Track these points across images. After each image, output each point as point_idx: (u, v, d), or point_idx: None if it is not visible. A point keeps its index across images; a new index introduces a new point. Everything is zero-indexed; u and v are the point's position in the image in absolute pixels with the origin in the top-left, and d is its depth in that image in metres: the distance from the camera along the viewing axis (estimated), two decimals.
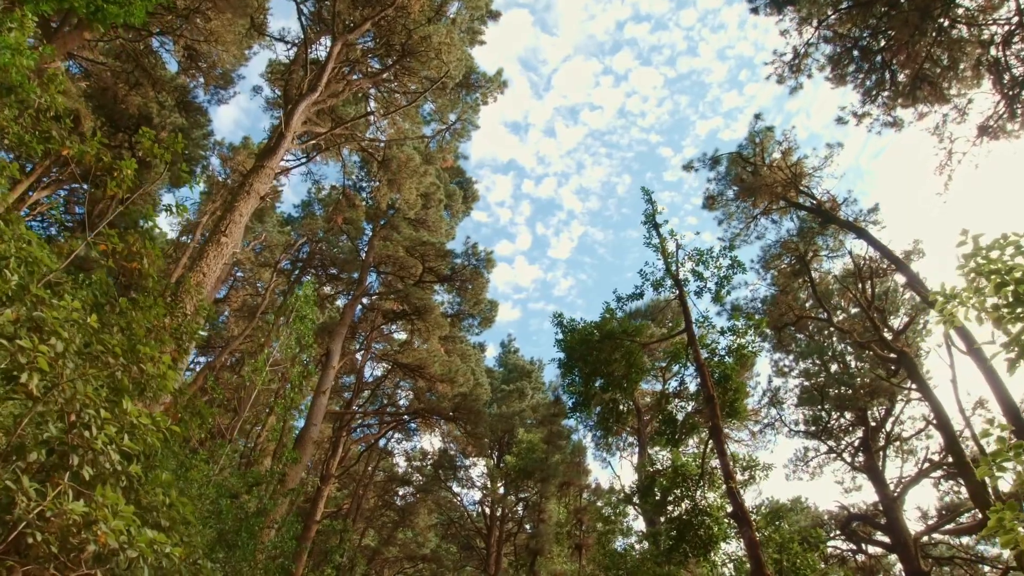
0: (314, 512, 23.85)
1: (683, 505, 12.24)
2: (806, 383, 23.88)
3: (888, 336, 16.02)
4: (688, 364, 12.68)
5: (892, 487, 18.90)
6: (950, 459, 20.11)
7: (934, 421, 13.72)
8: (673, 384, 13.76)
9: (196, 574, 5.92)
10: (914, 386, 13.96)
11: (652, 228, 12.87)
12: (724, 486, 11.57)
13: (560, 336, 13.51)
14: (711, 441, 10.79)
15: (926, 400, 13.75)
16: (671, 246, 12.67)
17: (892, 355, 15.10)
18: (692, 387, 13.04)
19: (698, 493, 11.95)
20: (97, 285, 6.79)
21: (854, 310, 23.19)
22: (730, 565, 12.59)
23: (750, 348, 11.96)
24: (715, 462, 13.08)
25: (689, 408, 13.12)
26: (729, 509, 12.13)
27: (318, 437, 22.38)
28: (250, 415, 26.67)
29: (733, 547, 12.34)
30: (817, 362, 22.34)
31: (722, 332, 12.21)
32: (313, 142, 18.44)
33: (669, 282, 12.74)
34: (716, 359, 12.03)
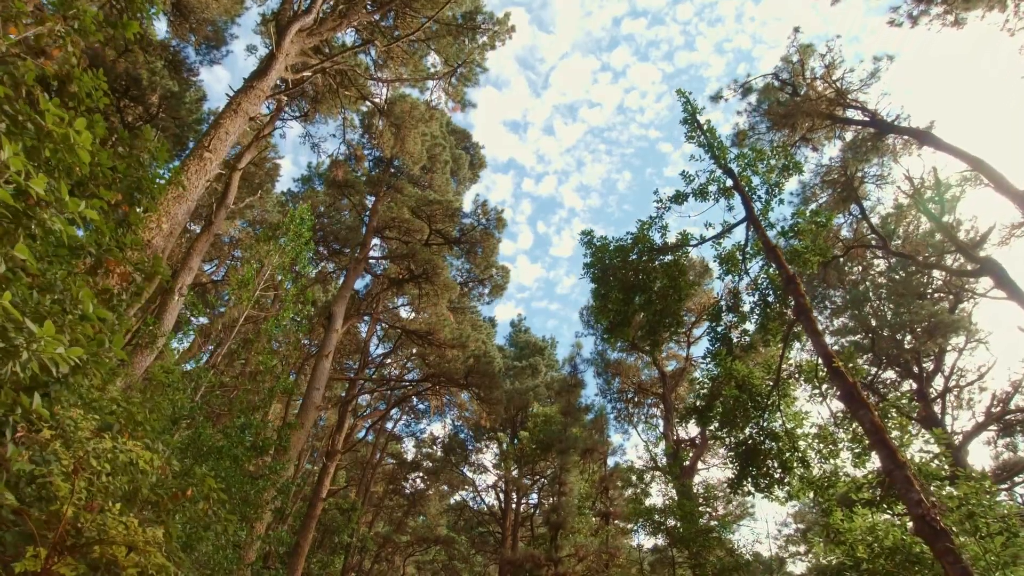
0: (320, 489, 22.41)
1: (747, 430, 10.59)
2: (844, 341, 22.32)
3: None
4: (742, 276, 11.09)
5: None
6: (1010, 410, 18.41)
7: None
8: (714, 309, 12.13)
9: (161, 481, 4.35)
10: (1004, 295, 12.35)
11: (694, 127, 11.29)
12: (803, 393, 9.95)
13: (589, 260, 11.95)
14: (796, 328, 9.14)
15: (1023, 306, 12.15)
16: (716, 143, 11.08)
17: (973, 266, 13.43)
18: (747, 305, 11.46)
19: (765, 415, 10.31)
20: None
21: (893, 260, 21.58)
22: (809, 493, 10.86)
23: (815, 253, 10.29)
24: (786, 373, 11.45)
25: (746, 327, 11.50)
26: (805, 430, 10.49)
27: (321, 403, 20.85)
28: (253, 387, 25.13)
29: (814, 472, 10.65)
30: (857, 314, 20.68)
31: (783, 233, 10.58)
32: (308, 73, 16.94)
33: (714, 188, 11.12)
34: (774, 269, 10.39)
